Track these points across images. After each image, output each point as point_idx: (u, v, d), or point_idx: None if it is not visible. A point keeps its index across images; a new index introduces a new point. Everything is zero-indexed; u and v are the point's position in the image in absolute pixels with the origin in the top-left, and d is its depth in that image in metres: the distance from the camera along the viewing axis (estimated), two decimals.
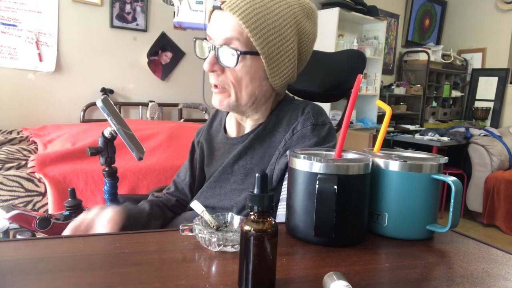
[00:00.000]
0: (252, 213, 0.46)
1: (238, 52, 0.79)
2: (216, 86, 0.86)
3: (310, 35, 0.88)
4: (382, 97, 4.38)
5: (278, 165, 0.85)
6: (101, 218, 0.79)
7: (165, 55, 3.30)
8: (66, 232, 0.77)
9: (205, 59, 0.84)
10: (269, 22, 0.80)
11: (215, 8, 0.83)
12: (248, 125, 0.93)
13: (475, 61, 5.11)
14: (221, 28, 0.81)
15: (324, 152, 0.70)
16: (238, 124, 0.95)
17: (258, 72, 0.83)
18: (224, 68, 0.83)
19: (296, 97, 1.00)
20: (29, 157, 1.92)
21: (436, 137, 3.80)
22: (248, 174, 0.89)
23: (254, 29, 0.78)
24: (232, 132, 0.97)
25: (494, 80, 4.84)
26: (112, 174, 1.06)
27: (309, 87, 1.18)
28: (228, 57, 0.81)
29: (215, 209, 0.89)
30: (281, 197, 0.83)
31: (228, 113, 1.00)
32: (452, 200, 0.61)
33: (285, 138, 0.87)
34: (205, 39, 0.85)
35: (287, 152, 0.77)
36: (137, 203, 0.98)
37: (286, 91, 0.98)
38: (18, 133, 2.41)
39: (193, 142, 1.06)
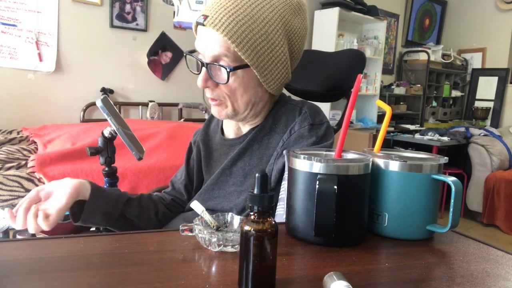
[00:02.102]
0: (252, 213, 0.46)
1: (228, 69, 0.79)
2: (213, 99, 0.86)
3: (301, 31, 0.87)
4: (382, 97, 4.38)
5: (276, 166, 0.85)
6: (63, 188, 0.79)
7: (165, 55, 3.30)
8: (24, 200, 0.75)
9: (197, 74, 0.84)
10: (255, 32, 0.78)
11: (198, 24, 0.81)
12: (246, 127, 0.94)
13: (475, 61, 5.11)
14: (208, 45, 0.79)
15: (324, 152, 0.70)
16: (236, 126, 0.95)
17: (252, 81, 0.83)
18: (217, 83, 0.83)
19: (292, 97, 0.99)
20: (29, 157, 1.92)
21: (436, 137, 3.80)
22: (247, 176, 0.89)
23: (240, 43, 0.77)
24: (229, 133, 0.97)
25: (494, 80, 4.84)
26: (112, 174, 1.06)
27: (309, 87, 1.18)
28: (219, 73, 0.81)
29: (214, 212, 0.89)
30: (279, 197, 0.83)
31: None
32: (452, 200, 0.61)
33: (283, 138, 0.87)
34: (194, 51, 0.84)
35: (284, 152, 0.77)
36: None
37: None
38: (18, 133, 2.41)
39: (190, 143, 1.06)
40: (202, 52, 0.82)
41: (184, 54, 0.87)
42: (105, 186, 1.07)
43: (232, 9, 0.77)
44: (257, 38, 0.78)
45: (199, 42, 0.82)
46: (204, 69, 0.81)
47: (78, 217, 0.83)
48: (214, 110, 0.88)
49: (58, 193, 0.78)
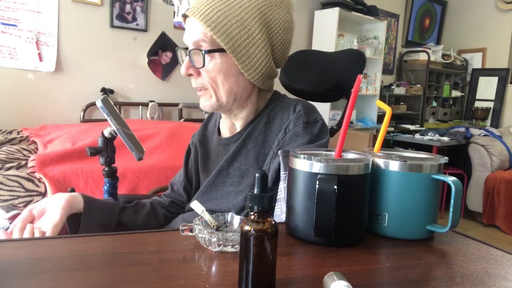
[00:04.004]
0: (252, 213, 0.46)
1: (203, 52, 0.83)
2: (199, 89, 0.90)
3: (282, 23, 0.88)
4: (382, 97, 4.38)
5: (273, 165, 0.85)
6: (55, 203, 0.81)
7: (165, 55, 3.30)
8: (17, 221, 0.77)
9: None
10: (230, 17, 0.82)
11: (183, 16, 0.87)
12: (239, 123, 0.94)
13: (475, 61, 5.11)
14: (190, 33, 0.85)
15: (324, 152, 0.70)
16: (231, 124, 0.96)
17: (231, 68, 0.85)
18: (199, 71, 0.86)
19: (287, 95, 0.99)
20: (29, 157, 1.92)
21: (436, 137, 3.80)
22: (244, 176, 0.89)
23: (215, 27, 0.81)
24: (225, 132, 0.98)
25: (494, 80, 4.84)
26: (112, 174, 1.06)
27: (309, 87, 1.18)
28: (198, 58, 0.85)
29: (213, 213, 0.89)
30: (277, 197, 0.83)
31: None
32: (452, 200, 0.61)
33: (278, 137, 0.87)
34: (187, 48, 0.88)
35: (279, 152, 0.77)
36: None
37: (278, 90, 0.99)
38: (18, 133, 2.41)
39: (189, 145, 1.07)
40: (187, 42, 0.87)
41: (176, 49, 0.93)
42: (105, 187, 1.07)
43: (211, 0, 0.83)
44: (232, 23, 0.82)
45: (185, 33, 0.87)
46: (187, 57, 0.86)
47: (76, 230, 0.84)
48: (201, 102, 0.90)
49: (51, 209, 0.80)
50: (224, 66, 0.85)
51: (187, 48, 0.88)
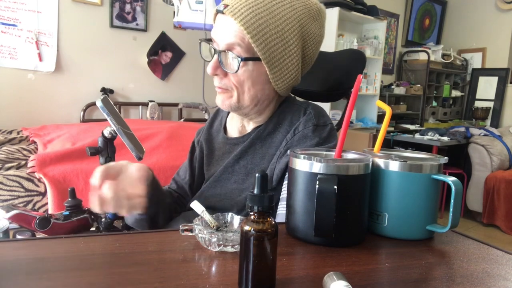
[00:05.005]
0: (252, 213, 0.46)
1: (239, 59, 0.80)
2: (220, 87, 0.87)
3: (316, 37, 0.87)
4: (382, 97, 4.37)
5: (279, 165, 0.85)
6: (133, 166, 0.78)
7: (165, 55, 3.30)
8: (96, 172, 0.73)
9: (209, 61, 0.85)
10: (271, 27, 0.79)
11: (218, 11, 0.83)
12: (250, 125, 0.94)
13: (475, 61, 5.11)
14: (224, 32, 0.81)
15: (324, 152, 0.70)
16: (240, 124, 0.95)
17: (261, 76, 0.84)
18: (226, 72, 0.83)
19: (296, 97, 1.00)
20: (29, 157, 1.92)
21: (436, 137, 3.80)
22: (249, 174, 0.89)
23: (255, 35, 0.78)
24: (233, 132, 0.97)
25: (494, 80, 4.84)
26: None
27: (309, 87, 1.18)
28: (230, 62, 0.82)
29: (215, 210, 0.89)
30: (281, 196, 0.83)
31: (229, 113, 1.01)
32: (452, 200, 0.61)
33: (286, 138, 0.87)
34: (210, 40, 0.85)
35: (288, 152, 0.77)
36: None
37: None
38: (18, 133, 2.41)
39: (193, 142, 1.06)
40: (217, 40, 0.83)
41: (199, 41, 0.89)
42: None
43: (252, 2, 0.79)
44: (272, 33, 0.79)
45: (216, 29, 0.83)
46: (216, 56, 0.83)
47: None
48: (219, 99, 0.88)
49: (131, 176, 0.76)
50: (255, 73, 0.83)
51: (209, 40, 0.85)
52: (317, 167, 0.59)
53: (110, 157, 1.02)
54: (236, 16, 0.78)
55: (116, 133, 0.96)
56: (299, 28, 0.83)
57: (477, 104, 4.96)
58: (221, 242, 0.56)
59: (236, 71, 0.81)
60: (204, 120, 3.19)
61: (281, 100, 0.94)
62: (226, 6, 0.80)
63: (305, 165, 0.60)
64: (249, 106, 0.86)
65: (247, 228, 0.45)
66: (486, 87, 4.92)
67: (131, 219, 0.90)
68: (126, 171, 0.77)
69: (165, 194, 0.93)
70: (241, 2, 0.79)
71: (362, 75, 0.73)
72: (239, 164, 0.90)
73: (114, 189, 0.72)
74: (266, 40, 0.79)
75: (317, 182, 0.56)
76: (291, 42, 0.82)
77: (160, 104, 3.19)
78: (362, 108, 4.25)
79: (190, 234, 0.60)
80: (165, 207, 0.91)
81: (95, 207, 0.72)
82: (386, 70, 4.70)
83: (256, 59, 0.81)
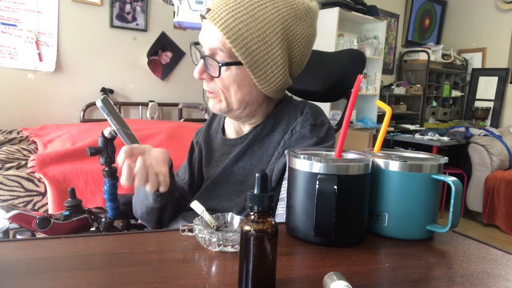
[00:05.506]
0: (252, 213, 0.46)
1: (220, 64, 0.80)
2: (209, 91, 0.88)
3: (304, 37, 0.85)
4: (382, 97, 4.37)
5: (277, 165, 0.85)
6: (156, 149, 0.80)
7: (165, 55, 3.30)
8: (121, 152, 0.74)
9: (197, 64, 0.86)
10: (252, 31, 0.78)
11: (201, 16, 0.83)
12: (247, 126, 0.94)
13: (475, 61, 5.10)
14: (207, 38, 0.82)
15: (324, 152, 0.70)
16: (237, 127, 0.95)
17: (246, 80, 0.83)
18: (212, 77, 0.84)
19: (294, 97, 0.99)
20: (29, 157, 1.92)
21: (436, 137, 3.80)
22: (247, 175, 0.89)
23: (234, 40, 0.77)
24: (231, 133, 0.97)
25: (494, 80, 4.84)
26: (112, 174, 1.05)
27: (309, 87, 1.18)
28: (213, 67, 0.82)
29: (214, 211, 0.88)
30: (280, 196, 0.83)
31: None
32: (452, 200, 0.61)
33: (284, 138, 0.87)
34: (199, 44, 0.86)
35: (286, 152, 0.77)
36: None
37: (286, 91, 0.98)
38: (18, 133, 2.41)
39: (192, 142, 1.06)
40: (203, 44, 0.84)
41: (190, 45, 0.89)
42: (105, 187, 1.06)
43: (233, 6, 0.78)
44: (253, 37, 0.78)
45: (201, 34, 0.84)
46: (202, 60, 0.83)
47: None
48: (210, 103, 0.89)
49: (157, 157, 0.78)
50: (239, 77, 0.82)
51: (196, 43, 0.85)
52: (317, 167, 0.59)
53: (110, 157, 1.02)
54: (216, 21, 0.78)
55: (116, 133, 0.96)
56: (282, 30, 0.81)
57: (477, 104, 4.96)
58: (221, 242, 0.56)
59: (218, 76, 0.82)
60: (204, 120, 3.19)
61: (277, 100, 0.94)
62: (208, 10, 0.80)
63: (305, 165, 0.60)
64: (239, 109, 0.86)
65: (247, 228, 0.45)
66: (486, 87, 4.92)
67: (141, 209, 0.91)
68: (150, 152, 0.79)
69: (175, 185, 0.94)
70: (222, 7, 0.78)
71: (362, 75, 0.73)
72: (237, 166, 0.90)
73: (143, 162, 0.74)
74: (246, 45, 0.78)
75: (317, 182, 0.56)
76: (274, 45, 0.80)
77: (160, 104, 3.19)
78: (362, 108, 4.25)
79: (190, 234, 0.60)
80: (174, 200, 0.92)
81: (123, 179, 0.74)
82: (386, 70, 4.70)
83: (238, 63, 0.80)
